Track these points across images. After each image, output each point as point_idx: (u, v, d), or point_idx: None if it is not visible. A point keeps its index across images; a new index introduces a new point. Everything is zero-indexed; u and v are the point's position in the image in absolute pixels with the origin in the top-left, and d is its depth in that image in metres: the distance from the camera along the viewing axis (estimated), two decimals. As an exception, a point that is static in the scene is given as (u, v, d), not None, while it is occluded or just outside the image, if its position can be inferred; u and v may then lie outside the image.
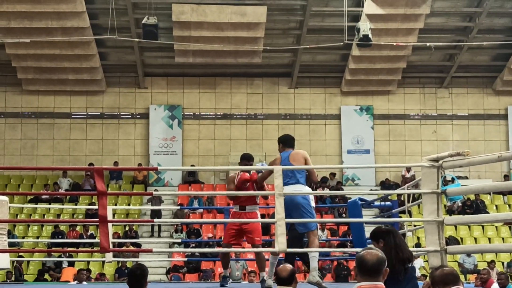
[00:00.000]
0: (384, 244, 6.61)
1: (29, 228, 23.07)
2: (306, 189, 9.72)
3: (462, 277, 18.60)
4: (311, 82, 26.93)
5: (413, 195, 11.67)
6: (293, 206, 9.35)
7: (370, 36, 21.38)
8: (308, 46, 23.99)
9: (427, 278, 13.78)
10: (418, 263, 20.02)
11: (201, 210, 23.50)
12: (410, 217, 18.88)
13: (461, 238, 22.83)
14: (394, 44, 23.51)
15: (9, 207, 12.70)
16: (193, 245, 19.90)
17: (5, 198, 12.21)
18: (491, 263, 19.72)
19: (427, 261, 11.99)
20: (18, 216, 23.28)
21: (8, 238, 12.40)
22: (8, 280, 18.72)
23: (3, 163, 25.46)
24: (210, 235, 22.17)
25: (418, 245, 20.77)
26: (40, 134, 26.10)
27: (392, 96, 26.82)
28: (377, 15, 23.06)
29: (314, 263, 9.53)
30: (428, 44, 23.01)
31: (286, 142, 9.94)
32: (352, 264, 19.26)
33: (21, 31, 22.98)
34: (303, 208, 9.48)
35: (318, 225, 19.50)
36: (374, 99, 26.71)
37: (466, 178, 25.39)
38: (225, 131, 26.46)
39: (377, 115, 26.62)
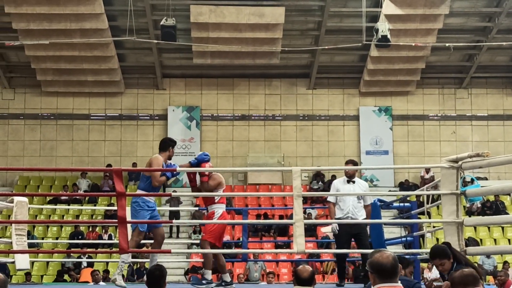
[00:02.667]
0: (453, 259, 6.69)
1: (49, 229, 23.17)
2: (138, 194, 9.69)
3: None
4: (329, 83, 26.87)
5: (432, 196, 11.63)
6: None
7: (388, 36, 21.30)
8: (326, 47, 23.94)
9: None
10: (437, 264, 19.91)
11: (219, 211, 23.46)
12: (429, 218, 18.87)
13: (481, 239, 22.69)
14: (413, 44, 23.41)
15: (29, 208, 12.78)
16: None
17: (25, 199, 12.28)
18: (505, 264, 19.58)
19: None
20: (37, 217, 23.39)
21: (28, 239, 12.47)
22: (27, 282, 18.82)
23: (22, 164, 25.61)
24: (228, 236, 22.17)
25: (437, 246, 20.62)
26: (59, 136, 26.21)
27: (411, 97, 26.71)
28: (395, 16, 22.98)
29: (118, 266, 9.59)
30: (447, 44, 22.88)
31: (161, 143, 10.26)
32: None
33: (40, 33, 23.09)
34: (132, 209, 9.63)
35: (337, 226, 19.49)
36: (393, 100, 26.62)
37: (486, 179, 25.25)
38: (243, 132, 26.45)
39: (396, 115, 26.52)
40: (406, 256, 11.48)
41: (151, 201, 9.76)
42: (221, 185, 10.00)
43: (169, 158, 9.95)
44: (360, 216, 10.65)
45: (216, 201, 10.05)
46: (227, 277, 10.02)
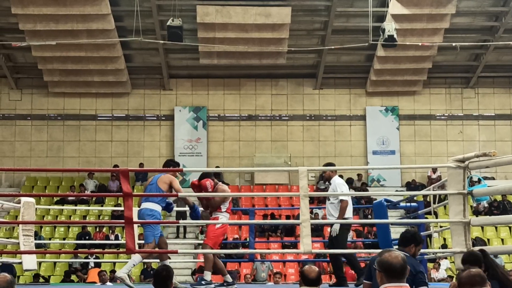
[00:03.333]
0: (486, 267, 6.67)
1: (56, 229, 23.21)
2: (154, 207, 9.85)
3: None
4: (336, 83, 26.86)
5: (439, 196, 11.61)
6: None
7: (395, 36, 21.27)
8: (332, 47, 23.93)
9: (454, 279, 13.69)
10: (444, 264, 19.91)
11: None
12: (436, 218, 18.83)
13: (488, 239, 22.64)
14: (420, 44, 23.39)
15: (36, 209, 12.81)
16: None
17: (32, 199, 12.31)
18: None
19: (453, 262, 11.92)
20: (44, 218, 23.44)
21: (35, 239, 12.49)
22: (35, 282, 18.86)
23: (29, 164, 25.66)
24: (236, 236, 22.17)
25: (444, 246, 20.63)
26: (66, 136, 26.26)
27: (418, 97, 26.67)
28: (402, 15, 22.96)
29: (129, 263, 9.72)
30: (454, 44, 22.85)
31: (164, 164, 10.34)
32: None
33: (47, 33, 23.14)
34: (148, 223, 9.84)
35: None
36: (400, 100, 26.58)
37: (493, 178, 25.21)
38: (249, 133, 26.46)
39: (403, 115, 26.49)
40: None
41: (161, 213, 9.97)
42: (227, 197, 10.00)
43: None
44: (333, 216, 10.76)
45: (222, 210, 10.09)
46: (228, 278, 10.07)
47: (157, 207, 9.83)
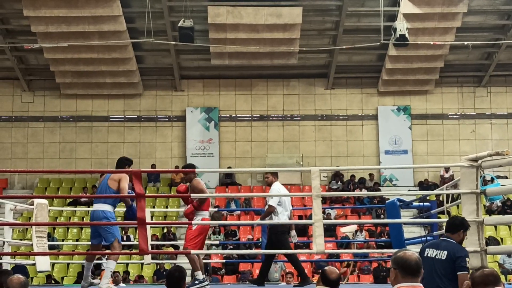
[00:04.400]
0: None
1: (69, 230, 23.28)
2: (105, 207, 9.88)
3: (502, 277, 18.38)
4: (347, 83, 26.82)
5: (452, 195, 11.57)
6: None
7: (407, 35, 21.23)
8: (344, 47, 23.91)
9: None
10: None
11: (239, 211, 23.50)
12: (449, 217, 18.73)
13: (501, 239, 22.56)
14: (431, 43, 23.33)
15: (49, 210, 12.85)
16: (231, 246, 19.91)
17: (45, 201, 12.35)
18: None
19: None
20: (57, 219, 23.51)
21: (48, 241, 12.53)
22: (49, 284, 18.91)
23: (42, 166, 25.73)
24: (249, 236, 22.18)
25: (457, 245, 20.53)
26: (78, 138, 26.33)
27: (430, 96, 26.60)
28: (413, 14, 22.91)
29: (107, 272, 9.89)
30: (465, 43, 22.77)
31: (117, 163, 10.28)
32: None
33: (58, 35, 23.20)
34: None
35: (356, 226, 19.50)
36: (412, 99, 26.52)
37: (506, 177, 25.11)
38: (261, 133, 26.46)
39: (415, 115, 26.43)
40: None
41: (114, 215, 10.01)
42: (203, 191, 9.96)
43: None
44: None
45: (197, 208, 10.10)
46: (199, 276, 10.10)
47: (108, 208, 9.83)
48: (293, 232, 11.41)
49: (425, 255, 7.15)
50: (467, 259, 6.96)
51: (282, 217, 10.99)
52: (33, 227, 12.18)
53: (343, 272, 18.65)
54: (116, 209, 10.37)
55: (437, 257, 7.04)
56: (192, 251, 9.79)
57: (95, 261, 19.55)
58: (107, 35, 23.28)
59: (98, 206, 9.86)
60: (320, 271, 6.98)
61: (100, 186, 9.97)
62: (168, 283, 6.70)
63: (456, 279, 6.83)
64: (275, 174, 11.14)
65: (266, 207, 11.11)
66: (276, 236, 11.12)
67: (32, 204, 12.15)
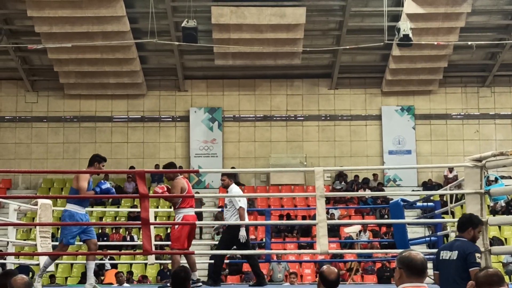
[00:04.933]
0: None
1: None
2: (67, 207, 9.98)
3: (506, 278, 18.36)
4: (351, 83, 26.81)
5: (456, 195, 11.54)
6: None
7: (410, 35, 21.21)
8: (348, 47, 23.89)
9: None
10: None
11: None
12: (453, 218, 18.71)
13: (505, 239, 22.52)
14: (435, 43, 23.31)
15: (53, 211, 12.86)
16: (235, 247, 19.87)
17: (49, 201, 12.37)
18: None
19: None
20: (61, 219, 23.50)
21: (52, 241, 12.54)
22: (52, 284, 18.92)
23: (46, 166, 25.76)
24: (252, 236, 22.17)
25: (461, 246, 20.51)
26: (82, 138, 26.35)
27: (434, 96, 26.58)
28: (417, 15, 22.90)
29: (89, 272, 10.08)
30: (469, 43, 22.74)
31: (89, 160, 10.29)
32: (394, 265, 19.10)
33: (62, 36, 23.22)
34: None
35: (360, 226, 19.49)
36: (415, 99, 26.50)
37: (510, 178, 25.04)
38: (265, 133, 26.45)
39: (419, 115, 26.40)
40: (430, 256, 11.42)
41: (80, 213, 9.93)
42: (182, 189, 9.98)
43: (98, 174, 10.13)
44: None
45: (177, 206, 10.18)
46: (194, 276, 10.15)
47: (71, 207, 9.87)
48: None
49: (440, 257, 7.13)
50: (478, 255, 6.91)
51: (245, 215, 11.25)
52: (37, 227, 12.19)
53: (342, 274, 18.65)
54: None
55: (450, 258, 7.01)
56: (197, 251, 9.77)
57: (99, 261, 19.63)
58: (111, 36, 23.30)
59: (66, 206, 10.02)
60: (318, 272, 6.96)
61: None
62: (173, 283, 6.69)
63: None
64: (231, 176, 11.27)
65: (228, 210, 11.23)
66: (233, 235, 11.32)
67: (36, 204, 12.16)
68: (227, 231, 11.39)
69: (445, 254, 7.11)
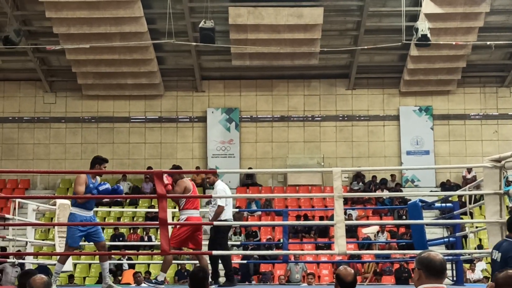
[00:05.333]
0: None
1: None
2: (72, 210, 9.98)
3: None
4: (369, 83, 26.74)
5: (475, 196, 11.50)
6: None
7: (428, 35, 21.14)
8: (365, 47, 23.82)
9: (490, 280, 13.53)
10: (480, 265, 19.73)
11: (259, 212, 23.50)
12: (472, 218, 18.63)
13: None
14: (453, 43, 23.21)
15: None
16: (252, 247, 19.90)
17: (67, 202, 12.41)
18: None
19: (489, 263, 11.80)
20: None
21: (70, 241, 12.56)
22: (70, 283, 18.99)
23: (64, 167, 25.88)
24: (269, 237, 22.16)
25: (480, 247, 20.41)
26: (100, 138, 26.45)
27: (452, 96, 26.46)
28: (435, 14, 22.80)
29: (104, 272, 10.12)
30: (488, 42, 22.63)
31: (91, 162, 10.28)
32: (412, 266, 19.01)
33: (80, 37, 23.31)
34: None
35: (378, 227, 19.42)
36: (434, 99, 26.40)
37: (529, 178, 24.88)
38: (282, 134, 26.43)
39: (437, 115, 26.29)
40: (449, 257, 11.37)
41: (86, 216, 9.93)
42: (186, 189, 10.02)
43: (100, 175, 10.14)
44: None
45: (181, 207, 10.34)
46: (162, 277, 10.16)
47: (73, 210, 9.88)
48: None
49: (492, 257, 7.06)
50: None
51: (228, 214, 11.32)
52: (55, 227, 12.24)
53: (366, 276, 18.59)
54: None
55: (497, 259, 6.94)
56: (214, 252, 9.79)
57: (117, 261, 19.70)
58: (129, 36, 23.36)
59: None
60: (334, 274, 6.93)
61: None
62: (191, 283, 6.69)
63: None
64: (215, 174, 11.35)
65: (210, 207, 11.30)
66: (218, 234, 11.35)
67: (55, 205, 12.23)
68: (213, 229, 11.33)
69: (494, 254, 7.03)
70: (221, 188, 11.25)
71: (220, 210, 11.07)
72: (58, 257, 10.25)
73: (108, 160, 10.33)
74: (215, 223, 10.65)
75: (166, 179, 10.02)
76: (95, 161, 10.15)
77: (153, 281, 10.21)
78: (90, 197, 9.73)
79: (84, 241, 10.25)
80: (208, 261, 11.20)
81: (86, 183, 9.70)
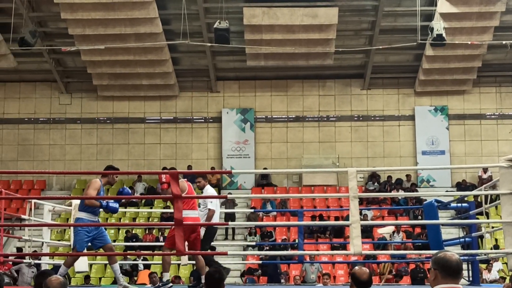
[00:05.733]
0: None
1: (106, 231, 23.38)
2: (78, 214, 10.06)
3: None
4: (384, 83, 26.68)
5: (491, 196, 11.45)
6: None
7: (444, 35, 21.07)
8: (380, 47, 23.78)
9: (506, 280, 13.47)
10: (496, 265, 19.64)
11: (275, 212, 23.49)
12: (488, 218, 18.57)
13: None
14: (469, 43, 23.13)
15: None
16: (267, 247, 19.91)
17: (82, 202, 12.42)
18: None
19: (505, 263, 11.75)
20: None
21: (86, 241, 12.61)
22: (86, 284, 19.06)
23: (80, 168, 25.98)
24: (284, 237, 22.16)
25: (496, 247, 20.35)
26: (115, 139, 26.53)
27: (468, 96, 26.36)
28: (451, 14, 22.72)
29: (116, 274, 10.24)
30: (504, 42, 22.54)
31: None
32: (428, 267, 18.95)
33: (95, 38, 23.39)
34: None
35: (393, 227, 19.37)
36: (449, 99, 26.31)
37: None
38: (297, 134, 26.42)
39: (452, 115, 26.20)
40: (465, 258, 11.33)
41: (93, 221, 10.01)
42: (182, 190, 10.03)
43: (110, 184, 10.16)
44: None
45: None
46: (166, 276, 10.19)
47: (81, 215, 9.94)
48: None
49: None
50: None
51: (216, 218, 11.36)
52: (71, 228, 12.28)
53: (387, 278, 18.56)
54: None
55: None
56: (230, 252, 9.76)
57: (132, 262, 19.77)
58: (144, 37, 23.41)
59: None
60: (350, 273, 6.91)
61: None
62: (207, 284, 6.69)
63: None
64: (205, 178, 11.33)
65: (202, 211, 11.28)
66: (207, 236, 11.32)
67: (70, 205, 12.27)
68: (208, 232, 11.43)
69: None
70: (211, 192, 11.46)
71: (211, 213, 11.16)
72: (64, 260, 10.31)
73: (119, 170, 10.41)
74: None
75: (165, 179, 10.06)
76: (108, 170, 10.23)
77: (160, 284, 10.21)
78: (103, 198, 9.80)
79: (90, 245, 10.27)
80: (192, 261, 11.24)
81: (98, 190, 9.77)
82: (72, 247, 10.26)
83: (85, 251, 10.40)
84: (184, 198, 9.68)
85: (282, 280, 19.49)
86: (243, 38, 23.64)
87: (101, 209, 10.08)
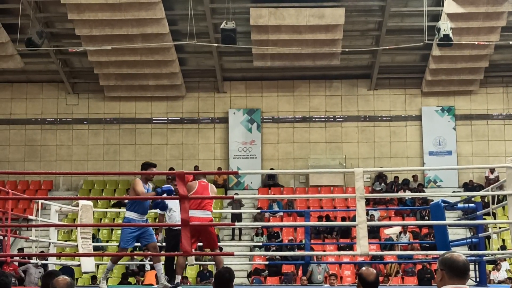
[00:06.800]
0: None
1: (113, 232, 23.47)
2: (126, 214, 10.29)
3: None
4: (390, 83, 26.64)
5: (498, 196, 11.43)
6: None
7: (451, 35, 21.04)
8: (387, 47, 23.76)
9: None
10: (504, 266, 19.59)
11: (281, 213, 23.48)
12: (495, 219, 18.54)
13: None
14: (476, 43, 23.07)
15: (93, 212, 12.97)
16: (274, 248, 19.90)
17: (90, 203, 12.48)
18: None
19: (513, 264, 11.74)
20: (102, 221, 23.71)
21: (93, 242, 12.65)
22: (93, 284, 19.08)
23: (86, 168, 26.01)
24: (291, 238, 22.15)
25: (503, 247, 20.31)
26: (122, 140, 26.55)
27: (475, 96, 26.31)
28: (457, 14, 22.69)
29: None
30: (511, 42, 22.49)
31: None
32: (435, 267, 18.92)
33: (102, 38, 23.42)
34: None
35: (400, 228, 19.35)
36: (456, 99, 26.26)
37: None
38: (304, 134, 26.40)
39: (459, 115, 26.15)
40: (472, 258, 11.31)
41: (137, 220, 10.15)
42: (188, 190, 10.05)
43: (149, 180, 10.22)
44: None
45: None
46: (178, 279, 10.23)
47: (129, 214, 10.15)
48: None
49: None
50: None
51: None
52: (78, 228, 12.30)
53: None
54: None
55: None
56: (237, 252, 9.77)
57: (139, 262, 19.78)
58: (150, 38, 23.44)
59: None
60: (357, 274, 6.91)
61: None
62: (217, 284, 6.69)
63: None
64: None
65: (175, 211, 11.44)
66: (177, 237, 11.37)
67: (77, 206, 12.27)
68: (172, 233, 11.73)
69: None
70: None
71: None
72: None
73: (156, 165, 10.68)
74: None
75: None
76: (145, 167, 10.44)
77: (170, 286, 10.22)
78: (124, 198, 9.82)
79: (137, 242, 10.39)
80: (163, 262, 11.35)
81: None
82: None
83: (129, 250, 10.54)
84: (191, 198, 9.68)
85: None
86: (249, 38, 23.64)
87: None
